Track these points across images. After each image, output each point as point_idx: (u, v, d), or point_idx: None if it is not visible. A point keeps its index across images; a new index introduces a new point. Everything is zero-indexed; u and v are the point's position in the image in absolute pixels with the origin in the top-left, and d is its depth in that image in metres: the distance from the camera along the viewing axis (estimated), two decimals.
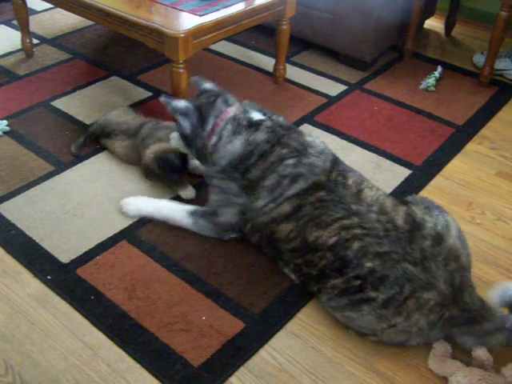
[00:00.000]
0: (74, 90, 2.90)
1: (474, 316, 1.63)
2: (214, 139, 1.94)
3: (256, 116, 1.96)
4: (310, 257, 1.76)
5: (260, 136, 1.90)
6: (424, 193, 2.30)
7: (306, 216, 1.76)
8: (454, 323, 1.62)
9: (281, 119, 2.00)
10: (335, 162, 1.89)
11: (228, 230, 2.00)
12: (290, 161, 1.84)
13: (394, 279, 1.59)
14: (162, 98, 1.99)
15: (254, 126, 1.93)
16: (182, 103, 1.97)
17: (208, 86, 2.07)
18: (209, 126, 1.95)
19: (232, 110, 1.95)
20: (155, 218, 2.10)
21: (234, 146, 1.91)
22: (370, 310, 1.62)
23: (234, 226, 1.98)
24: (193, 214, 2.04)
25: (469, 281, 1.66)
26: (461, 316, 1.61)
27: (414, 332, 1.62)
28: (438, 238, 1.65)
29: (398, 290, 1.58)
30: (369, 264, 1.62)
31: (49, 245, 2.01)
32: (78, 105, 2.79)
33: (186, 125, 1.98)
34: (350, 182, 1.80)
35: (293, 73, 3.12)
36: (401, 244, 1.63)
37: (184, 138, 2.03)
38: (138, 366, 1.65)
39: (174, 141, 2.11)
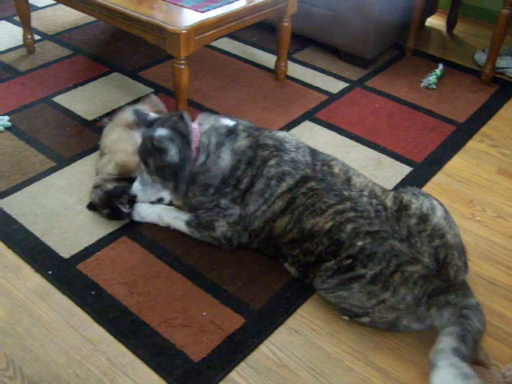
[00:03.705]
0: (75, 86, 2.91)
1: (453, 286, 1.66)
2: (201, 158, 1.89)
3: (228, 122, 1.96)
4: (307, 245, 1.80)
5: (242, 142, 1.90)
6: (425, 190, 2.30)
7: (301, 206, 1.81)
8: (435, 293, 1.64)
9: (245, 122, 2.00)
10: (313, 153, 1.93)
11: (224, 243, 1.97)
12: (272, 161, 1.86)
13: (382, 255, 1.66)
14: (143, 133, 1.91)
15: (231, 132, 1.92)
16: (163, 130, 1.86)
17: (153, 114, 1.99)
18: (193, 145, 1.88)
19: (201, 124, 1.93)
20: (159, 225, 2.09)
21: (225, 160, 1.89)
22: (360, 287, 1.68)
23: (231, 238, 1.96)
24: (189, 224, 2.01)
25: (456, 259, 1.69)
26: (441, 286, 1.65)
27: (402, 309, 1.66)
28: (423, 217, 1.73)
29: (385, 265, 1.65)
30: (360, 243, 1.69)
31: (50, 240, 2.02)
32: (79, 101, 2.79)
33: (173, 151, 1.85)
34: (337, 170, 1.86)
35: (294, 70, 3.12)
36: (390, 223, 1.71)
37: (168, 172, 1.88)
38: (138, 360, 1.66)
39: (140, 193, 1.97)
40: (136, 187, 1.98)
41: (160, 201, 2.03)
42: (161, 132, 1.86)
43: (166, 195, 2.01)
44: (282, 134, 1.97)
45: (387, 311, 1.68)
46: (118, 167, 2.11)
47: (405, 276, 1.64)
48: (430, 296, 1.64)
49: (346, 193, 1.79)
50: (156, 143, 1.84)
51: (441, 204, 1.82)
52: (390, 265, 1.65)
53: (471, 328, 1.57)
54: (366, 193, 1.80)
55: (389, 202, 1.78)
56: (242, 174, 1.88)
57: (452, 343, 1.53)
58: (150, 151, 1.88)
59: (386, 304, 1.66)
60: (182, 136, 1.87)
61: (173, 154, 1.86)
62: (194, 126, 1.93)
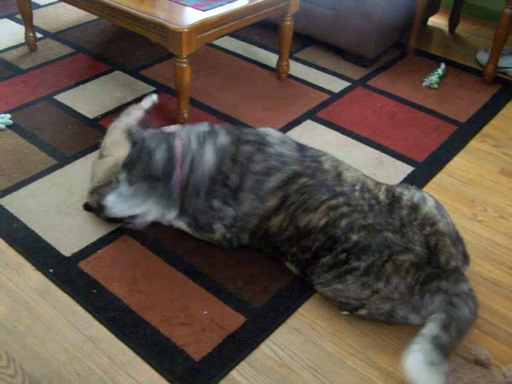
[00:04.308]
0: (77, 85, 2.91)
1: (445, 272, 1.66)
2: (186, 167, 1.89)
3: (204, 127, 1.98)
4: (303, 242, 1.80)
5: (224, 138, 1.92)
6: (426, 190, 2.30)
7: (294, 204, 1.82)
8: (428, 280, 1.64)
9: (221, 126, 2.02)
10: (301, 149, 1.93)
11: (225, 245, 1.98)
12: (257, 156, 1.87)
13: (376, 247, 1.67)
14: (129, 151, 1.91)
15: (211, 132, 1.94)
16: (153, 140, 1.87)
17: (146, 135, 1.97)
18: (177, 163, 1.88)
19: (180, 138, 1.93)
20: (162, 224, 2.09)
21: (209, 157, 1.89)
22: (354, 278, 1.69)
23: (231, 240, 1.96)
24: (190, 224, 2.01)
25: (448, 246, 1.70)
26: (433, 272, 1.65)
27: (396, 298, 1.66)
28: (414, 207, 1.76)
29: (378, 256, 1.66)
30: (354, 237, 1.71)
31: (51, 238, 2.02)
32: (80, 99, 2.79)
33: (158, 157, 1.86)
34: (327, 166, 1.87)
35: (296, 69, 3.11)
36: (383, 216, 1.73)
37: (155, 181, 1.89)
38: (138, 359, 1.65)
39: (114, 204, 1.91)
40: (111, 199, 1.92)
41: (132, 217, 1.98)
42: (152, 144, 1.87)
43: (148, 213, 1.96)
44: (263, 129, 1.99)
45: (382, 301, 1.68)
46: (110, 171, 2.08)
47: (396, 265, 1.65)
48: (423, 284, 1.64)
49: (337, 188, 1.80)
50: (142, 155, 1.86)
51: (432, 197, 1.83)
52: (383, 255, 1.66)
53: (458, 316, 1.57)
54: (357, 187, 1.81)
55: (382, 196, 1.80)
56: (228, 170, 1.89)
57: (433, 330, 1.54)
58: (137, 162, 1.88)
59: (380, 294, 1.67)
60: (163, 144, 1.88)
61: (156, 163, 1.86)
62: (176, 142, 1.92)
